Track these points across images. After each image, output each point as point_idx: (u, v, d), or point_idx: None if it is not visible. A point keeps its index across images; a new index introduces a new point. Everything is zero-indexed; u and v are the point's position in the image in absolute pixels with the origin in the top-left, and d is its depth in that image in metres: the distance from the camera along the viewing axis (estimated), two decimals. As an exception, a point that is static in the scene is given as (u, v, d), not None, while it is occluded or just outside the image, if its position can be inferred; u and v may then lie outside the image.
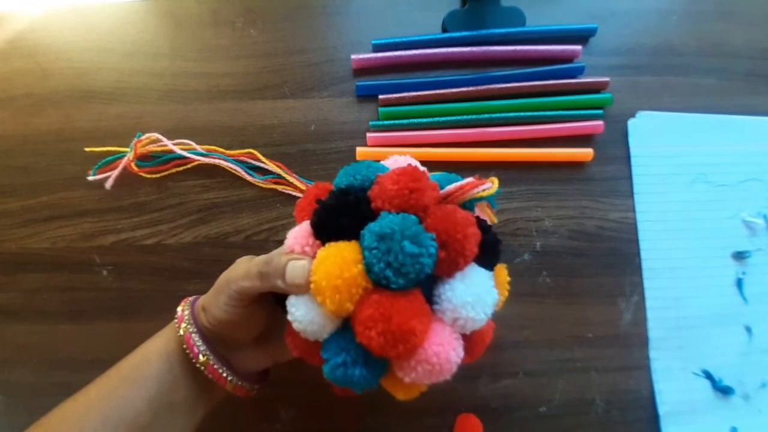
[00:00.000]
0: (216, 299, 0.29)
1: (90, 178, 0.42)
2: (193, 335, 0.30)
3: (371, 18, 0.45)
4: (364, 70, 0.44)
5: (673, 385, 0.41)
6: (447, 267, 0.25)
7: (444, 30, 0.45)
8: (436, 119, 0.43)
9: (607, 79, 0.43)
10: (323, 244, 0.26)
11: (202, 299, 0.31)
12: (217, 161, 0.42)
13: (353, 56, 0.43)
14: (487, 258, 0.27)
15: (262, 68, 0.44)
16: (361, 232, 0.25)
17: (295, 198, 0.42)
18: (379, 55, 0.43)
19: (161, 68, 0.44)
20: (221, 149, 0.43)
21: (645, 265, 0.42)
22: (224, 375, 0.30)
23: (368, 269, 0.24)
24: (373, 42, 0.43)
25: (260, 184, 0.42)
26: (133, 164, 0.42)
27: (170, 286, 0.42)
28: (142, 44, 0.44)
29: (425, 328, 0.25)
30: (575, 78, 0.44)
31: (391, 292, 0.24)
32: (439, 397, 0.41)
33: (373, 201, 0.26)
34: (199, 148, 0.42)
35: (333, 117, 0.44)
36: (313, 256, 0.26)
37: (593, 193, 0.43)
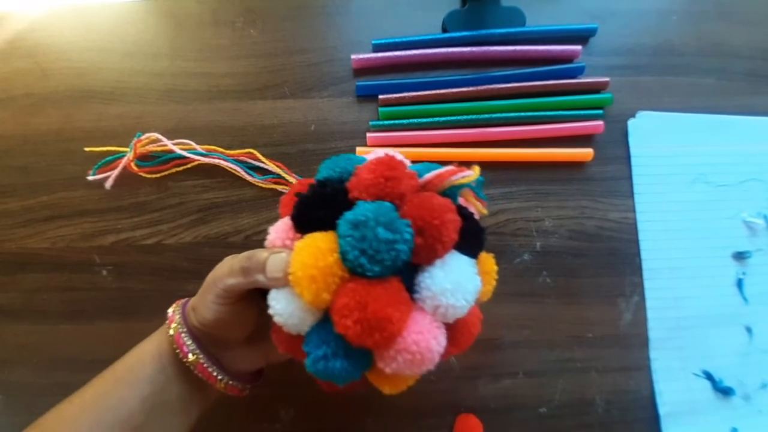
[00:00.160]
0: (204, 299, 0.29)
1: (90, 178, 0.42)
2: (183, 335, 0.30)
3: (371, 18, 0.45)
4: (364, 70, 0.44)
5: (674, 385, 0.41)
6: (425, 254, 0.25)
7: (444, 30, 0.45)
8: (436, 119, 0.43)
9: (607, 79, 0.43)
10: (303, 237, 0.26)
11: (192, 300, 0.31)
12: (217, 161, 0.42)
13: (353, 56, 0.43)
14: (469, 245, 0.27)
15: (262, 68, 0.44)
16: (338, 221, 0.25)
17: (295, 198, 0.42)
18: (379, 55, 0.43)
19: (161, 68, 0.44)
20: (221, 149, 0.43)
21: (645, 265, 0.42)
22: (215, 374, 0.30)
23: (343, 257, 0.24)
24: (373, 42, 0.43)
25: (260, 184, 0.42)
26: (133, 164, 0.42)
27: (170, 286, 0.42)
28: (142, 44, 0.44)
29: (403, 316, 0.24)
30: (575, 78, 0.44)
31: (368, 280, 0.24)
32: (439, 397, 0.41)
33: (351, 191, 0.26)
34: (199, 148, 0.42)
35: (333, 117, 0.44)
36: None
37: (593, 193, 0.43)
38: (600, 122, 0.43)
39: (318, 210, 0.26)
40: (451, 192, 0.28)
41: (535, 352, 0.42)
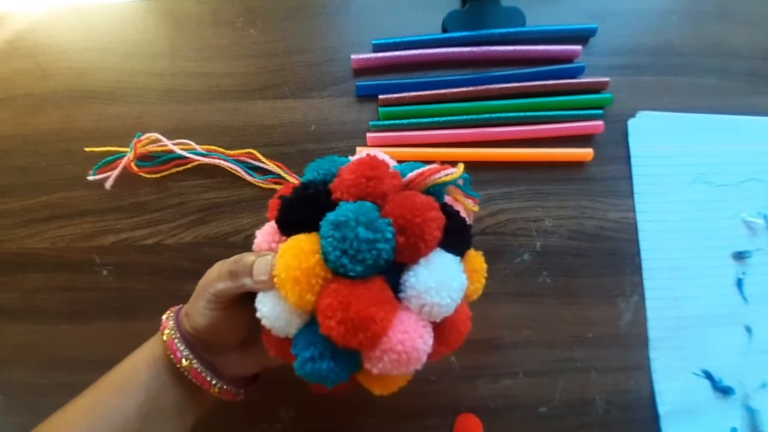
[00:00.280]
0: (196, 304, 0.29)
1: (90, 178, 0.42)
2: (176, 341, 0.30)
3: (371, 18, 0.45)
4: (364, 70, 0.44)
5: (673, 385, 0.41)
6: (409, 253, 0.25)
7: (444, 30, 0.45)
8: (436, 119, 0.43)
9: (607, 79, 0.43)
10: (288, 239, 0.26)
11: (185, 306, 0.31)
12: (217, 161, 0.42)
13: (353, 56, 0.43)
14: (454, 243, 0.27)
15: (262, 68, 0.44)
16: (321, 222, 0.25)
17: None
18: (379, 55, 0.43)
19: (161, 68, 0.44)
20: (221, 149, 0.43)
21: (645, 265, 0.42)
22: (208, 379, 0.30)
23: (326, 258, 0.24)
24: (373, 42, 0.43)
25: (260, 184, 0.42)
26: (133, 164, 0.42)
27: (170, 286, 0.42)
28: (142, 44, 0.44)
29: (387, 316, 0.24)
30: (575, 78, 0.44)
31: (351, 280, 0.24)
32: (439, 397, 0.41)
33: (334, 192, 0.26)
34: (199, 148, 0.42)
35: (333, 117, 0.44)
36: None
37: (593, 193, 0.43)
38: (600, 122, 0.43)
39: (301, 212, 0.26)
40: (436, 190, 0.28)
41: (535, 352, 0.42)
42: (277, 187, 0.42)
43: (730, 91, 0.44)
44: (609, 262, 0.42)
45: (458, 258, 0.27)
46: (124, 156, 0.42)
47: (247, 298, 0.28)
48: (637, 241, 0.43)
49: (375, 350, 0.24)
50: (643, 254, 0.42)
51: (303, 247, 0.25)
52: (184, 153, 0.42)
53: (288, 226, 0.27)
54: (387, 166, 0.27)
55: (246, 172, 0.42)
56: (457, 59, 0.44)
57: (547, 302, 0.42)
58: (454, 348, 0.28)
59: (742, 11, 0.46)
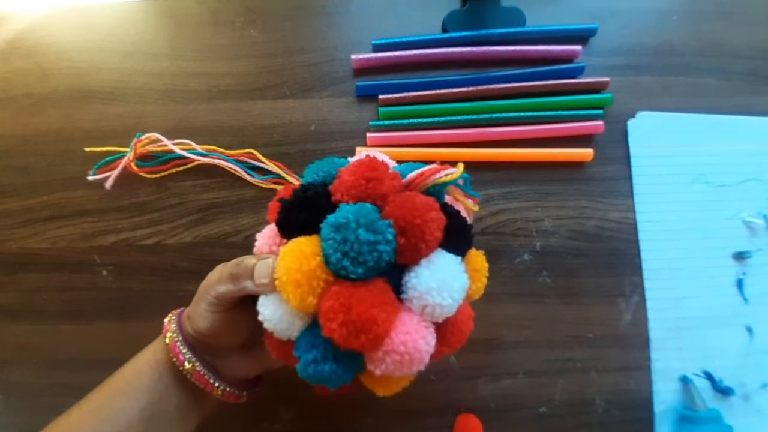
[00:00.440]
0: (197, 307, 0.29)
1: (90, 178, 0.42)
2: (179, 343, 0.30)
3: (371, 18, 0.45)
4: (364, 70, 0.44)
5: (673, 385, 0.41)
6: (410, 254, 0.25)
7: (444, 30, 0.45)
8: (437, 119, 0.43)
9: (607, 79, 0.43)
10: (289, 241, 0.26)
11: (187, 308, 0.31)
12: (217, 161, 0.42)
13: (353, 56, 0.43)
14: (456, 243, 0.27)
15: (262, 68, 0.44)
16: (321, 224, 0.25)
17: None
18: (379, 55, 0.43)
19: (161, 68, 0.44)
20: (221, 149, 0.43)
21: (645, 265, 0.42)
22: (211, 381, 0.30)
23: (327, 261, 0.24)
24: (373, 42, 0.43)
25: (260, 184, 0.42)
26: (133, 164, 0.42)
27: (170, 286, 0.42)
28: (142, 44, 0.44)
29: (389, 317, 0.24)
30: (575, 78, 0.44)
31: (352, 282, 0.24)
32: (439, 397, 0.41)
33: (333, 194, 0.26)
34: (199, 148, 0.42)
35: (333, 117, 0.44)
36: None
37: (593, 193, 0.43)
38: (600, 122, 0.43)
39: (300, 214, 0.26)
40: (436, 191, 0.28)
41: (535, 352, 0.42)
42: (277, 187, 0.42)
43: (729, 91, 0.44)
44: (609, 263, 0.42)
45: (459, 258, 0.27)
46: (124, 156, 0.42)
47: (249, 300, 0.28)
48: (637, 242, 0.43)
49: (377, 352, 0.24)
50: (643, 254, 0.42)
51: (304, 249, 0.25)
52: (184, 153, 0.42)
53: (288, 229, 0.27)
54: (387, 167, 0.27)
55: (246, 172, 0.42)
56: (457, 59, 0.44)
57: (547, 302, 0.42)
58: (456, 348, 0.28)
59: (742, 11, 0.46)
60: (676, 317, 0.42)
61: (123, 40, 0.44)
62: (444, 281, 0.25)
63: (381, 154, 0.30)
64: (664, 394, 0.41)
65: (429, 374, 0.41)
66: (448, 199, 0.29)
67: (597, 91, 0.44)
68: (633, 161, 0.43)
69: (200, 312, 0.29)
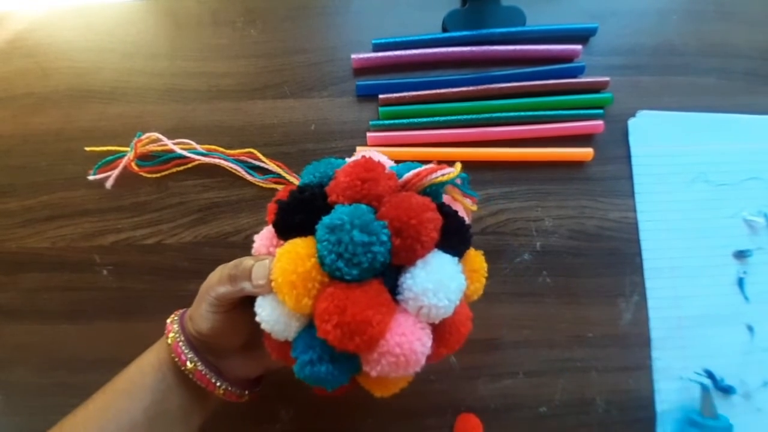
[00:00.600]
0: (198, 307, 0.30)
1: (90, 177, 0.42)
2: (181, 344, 0.30)
3: (371, 18, 0.45)
4: (364, 70, 0.44)
5: (674, 384, 0.41)
6: (405, 254, 0.25)
7: (444, 30, 0.45)
8: (437, 119, 0.43)
9: (607, 78, 0.43)
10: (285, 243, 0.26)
11: (189, 309, 0.32)
12: (217, 161, 0.42)
13: (353, 56, 0.43)
14: (452, 243, 0.27)
15: (262, 68, 0.44)
16: (316, 226, 0.25)
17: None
18: (379, 54, 0.43)
19: (161, 68, 0.44)
20: (221, 149, 0.43)
21: (646, 264, 0.42)
22: (213, 381, 0.30)
23: (321, 262, 0.24)
24: (373, 42, 0.43)
25: (260, 184, 0.42)
26: (133, 164, 0.42)
27: (170, 286, 0.42)
28: (142, 44, 0.44)
29: (384, 318, 0.24)
30: (575, 78, 0.44)
31: (347, 284, 0.24)
32: (439, 397, 0.41)
33: (330, 195, 0.26)
34: (199, 147, 0.42)
35: (333, 117, 0.44)
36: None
37: (593, 192, 0.43)
38: (600, 122, 0.43)
39: (296, 216, 0.26)
40: (433, 191, 0.28)
41: (535, 352, 0.42)
42: (278, 186, 0.42)
43: (730, 90, 0.44)
44: (609, 262, 0.42)
45: (456, 259, 0.27)
46: (124, 156, 0.42)
47: (249, 301, 0.29)
48: (637, 241, 0.43)
49: (373, 353, 0.24)
50: (644, 254, 0.42)
51: (299, 251, 0.25)
52: (185, 153, 0.42)
53: (285, 230, 0.27)
54: (383, 167, 0.27)
55: (246, 171, 0.42)
56: (457, 59, 0.44)
57: (547, 302, 0.42)
58: (454, 349, 0.28)
59: (742, 11, 0.46)
60: (677, 316, 0.42)
61: (123, 40, 0.45)
62: (440, 282, 0.25)
63: (378, 154, 0.30)
64: (666, 393, 0.41)
65: (429, 374, 0.41)
66: (446, 198, 0.29)
67: (597, 91, 0.44)
68: (633, 160, 0.43)
69: (201, 313, 0.29)
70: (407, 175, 0.27)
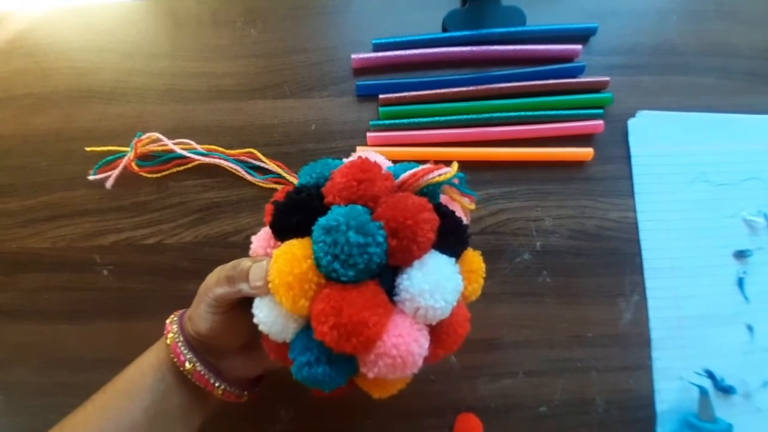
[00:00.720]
0: (197, 308, 0.30)
1: (90, 177, 0.42)
2: (180, 344, 0.30)
3: (371, 18, 0.45)
4: (365, 70, 0.44)
5: (674, 384, 0.41)
6: (402, 255, 0.25)
7: (444, 29, 0.45)
8: (437, 119, 0.43)
9: (607, 78, 0.43)
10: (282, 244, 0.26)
11: (189, 310, 0.32)
12: (217, 161, 0.42)
13: (353, 56, 0.43)
14: (449, 244, 0.27)
15: (262, 68, 0.44)
16: (313, 227, 0.25)
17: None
18: (379, 54, 0.43)
19: (161, 68, 0.44)
20: (221, 149, 0.43)
21: (646, 264, 0.42)
22: (212, 381, 0.31)
23: (318, 263, 0.24)
24: (373, 42, 0.43)
25: (260, 184, 0.42)
26: (133, 164, 0.42)
27: (171, 286, 0.42)
28: (142, 44, 0.44)
29: (380, 320, 0.24)
30: (575, 77, 0.44)
31: (343, 285, 0.24)
32: (439, 397, 0.41)
33: (326, 196, 0.26)
34: (199, 147, 0.42)
35: (333, 116, 0.44)
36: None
37: (593, 192, 0.43)
38: (600, 122, 0.43)
39: (293, 217, 0.26)
40: (430, 191, 0.27)
41: (535, 352, 0.42)
42: (278, 186, 0.42)
43: (729, 90, 0.44)
44: (609, 262, 0.42)
45: (453, 259, 0.27)
46: (124, 156, 0.42)
47: (248, 302, 0.29)
48: (637, 241, 0.43)
49: (369, 355, 0.24)
50: (644, 254, 0.42)
51: (295, 252, 0.25)
52: (185, 153, 0.42)
53: (281, 232, 0.27)
54: (379, 168, 0.27)
55: (246, 171, 0.42)
56: (457, 59, 0.44)
57: (547, 302, 0.42)
58: (452, 350, 0.28)
59: (742, 11, 0.46)
60: (677, 316, 0.42)
61: (123, 40, 0.45)
62: (437, 283, 0.25)
63: (376, 155, 0.30)
64: (666, 393, 0.41)
65: (429, 374, 0.41)
66: (444, 198, 0.29)
67: (597, 91, 0.44)
68: (633, 160, 0.43)
69: (200, 313, 0.29)
70: (404, 176, 0.27)
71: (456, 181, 0.29)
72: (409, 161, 0.30)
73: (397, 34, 0.44)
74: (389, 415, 0.41)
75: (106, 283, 0.42)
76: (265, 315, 0.26)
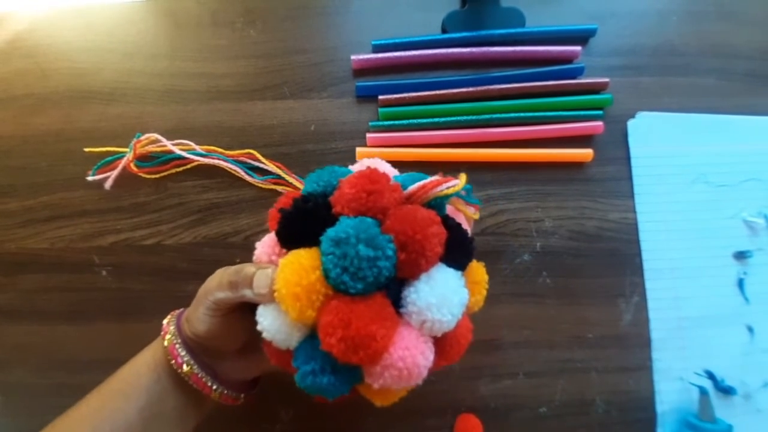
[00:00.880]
0: (196, 310, 0.29)
1: (90, 178, 0.42)
2: (177, 346, 0.30)
3: (371, 18, 0.45)
4: (364, 71, 0.44)
5: (675, 385, 0.41)
6: (410, 269, 0.25)
7: (444, 30, 0.45)
8: (436, 120, 0.43)
9: (606, 79, 0.43)
10: (288, 252, 0.26)
11: (186, 311, 0.32)
12: (216, 162, 0.42)
13: (353, 56, 0.43)
14: (456, 257, 0.27)
15: (262, 68, 0.44)
16: (321, 238, 0.25)
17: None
18: (379, 55, 0.43)
19: (161, 68, 0.44)
20: (221, 150, 0.43)
21: (646, 265, 0.42)
22: (209, 384, 0.30)
23: (326, 275, 0.24)
24: (373, 42, 0.43)
25: (260, 185, 0.42)
26: (132, 164, 0.42)
27: (170, 287, 0.42)
28: (142, 44, 0.44)
29: (388, 333, 0.24)
30: (575, 79, 0.44)
31: (351, 297, 0.24)
32: (439, 397, 0.41)
33: (334, 206, 0.26)
34: (198, 148, 0.42)
35: (333, 117, 0.44)
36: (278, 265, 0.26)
37: (593, 193, 0.43)
38: (600, 123, 0.43)
39: (300, 226, 0.26)
40: (438, 203, 0.27)
41: (535, 353, 0.42)
42: (277, 187, 0.42)
43: (729, 91, 0.44)
44: (609, 263, 0.42)
45: (459, 272, 0.27)
46: (123, 156, 0.42)
47: (247, 305, 0.28)
48: (637, 242, 0.43)
49: (376, 366, 0.24)
50: (644, 255, 0.42)
51: (303, 262, 0.25)
52: (184, 153, 0.42)
53: (288, 240, 0.27)
54: (388, 179, 0.27)
55: (246, 172, 0.42)
56: (457, 60, 0.44)
57: (548, 302, 0.42)
58: (454, 360, 0.28)
59: (742, 11, 0.46)
60: (677, 317, 0.42)
61: (123, 41, 0.45)
62: (443, 296, 0.25)
63: (382, 164, 0.30)
64: (666, 394, 0.41)
65: (429, 375, 0.41)
66: (448, 208, 0.29)
67: (597, 92, 0.44)
68: (633, 161, 0.43)
69: (199, 315, 0.29)
70: (412, 188, 0.27)
71: (463, 192, 0.29)
72: (416, 172, 0.30)
73: (397, 35, 0.44)
74: (389, 415, 0.41)
75: (105, 284, 0.42)
76: (269, 323, 0.26)
